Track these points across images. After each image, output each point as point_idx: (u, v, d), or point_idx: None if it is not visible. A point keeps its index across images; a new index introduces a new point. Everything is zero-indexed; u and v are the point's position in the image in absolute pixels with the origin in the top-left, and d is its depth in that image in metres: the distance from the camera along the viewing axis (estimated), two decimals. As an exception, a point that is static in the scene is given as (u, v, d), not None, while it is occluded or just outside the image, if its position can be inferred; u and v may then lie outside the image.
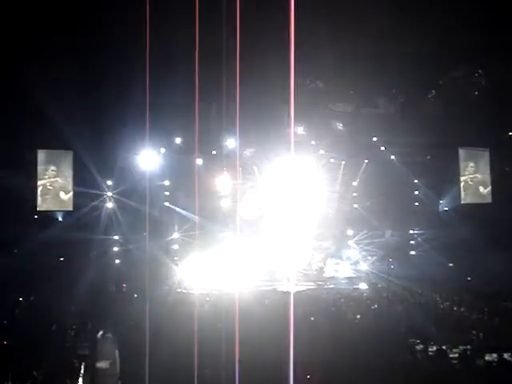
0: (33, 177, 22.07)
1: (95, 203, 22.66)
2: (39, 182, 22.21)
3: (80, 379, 13.10)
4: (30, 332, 15.29)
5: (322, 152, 25.50)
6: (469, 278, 23.00)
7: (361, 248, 25.69)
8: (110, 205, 23.01)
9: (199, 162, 22.06)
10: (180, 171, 23.90)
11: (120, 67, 20.62)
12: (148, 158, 23.79)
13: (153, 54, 20.56)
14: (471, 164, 25.72)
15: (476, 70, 24.77)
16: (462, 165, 25.69)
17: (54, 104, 20.44)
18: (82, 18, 19.96)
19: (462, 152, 25.75)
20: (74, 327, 15.86)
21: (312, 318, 16.68)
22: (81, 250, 21.15)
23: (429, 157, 25.10)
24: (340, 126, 25.72)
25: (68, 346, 14.65)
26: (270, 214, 25.86)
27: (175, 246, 24.07)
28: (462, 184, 25.66)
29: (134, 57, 20.40)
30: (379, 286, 23.03)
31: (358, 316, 17.53)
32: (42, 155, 22.31)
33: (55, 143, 21.87)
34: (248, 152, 24.66)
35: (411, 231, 26.20)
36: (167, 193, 24.34)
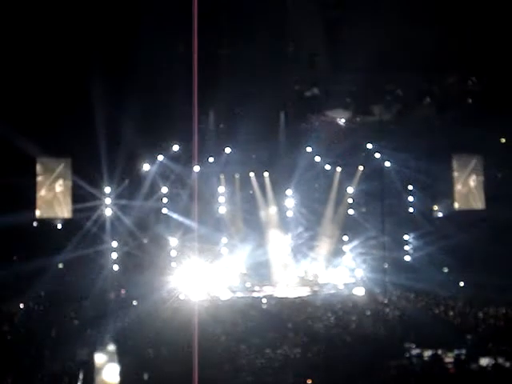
0: (32, 185, 22.15)
1: (94, 211, 22.73)
2: (38, 190, 22.30)
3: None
4: (29, 338, 15.44)
5: (317, 159, 25.64)
6: (462, 284, 23.19)
7: (356, 254, 25.82)
8: (108, 212, 23.10)
9: (196, 169, 22.17)
10: (177, 178, 24.05)
11: (120, 71, 20.80)
12: (146, 166, 23.95)
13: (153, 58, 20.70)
14: (465, 170, 25.91)
15: (470, 78, 25.01)
16: (455, 171, 25.88)
17: (53, 111, 20.63)
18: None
19: (455, 158, 25.95)
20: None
21: (308, 323, 16.85)
22: (80, 256, 21.24)
23: (423, 163, 25.28)
24: (336, 132, 25.91)
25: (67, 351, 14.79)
26: (267, 221, 26.01)
27: (173, 253, 24.18)
28: (455, 190, 25.86)
29: (133, 59, 20.70)
30: (375, 291, 23.18)
31: (354, 320, 17.70)
32: (41, 162, 22.42)
33: (54, 151, 21.98)
34: (246, 159, 24.82)
35: (406, 237, 26.35)
36: (165, 200, 24.44)
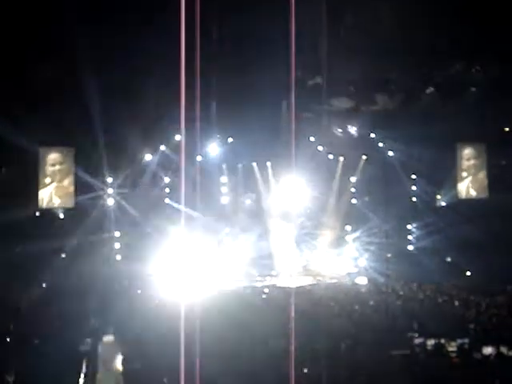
0: (35, 174, 22.17)
1: (97, 201, 22.79)
2: (41, 179, 22.32)
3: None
4: (34, 328, 15.47)
5: (320, 148, 25.62)
6: (468, 273, 23.14)
7: (359, 243, 25.83)
8: (111, 202, 23.14)
9: (199, 159, 22.13)
10: (179, 168, 24.04)
11: (123, 61, 20.74)
12: (150, 155, 23.95)
13: (153, 51, 20.67)
14: (468, 159, 25.88)
15: (474, 66, 24.89)
16: (459, 160, 25.85)
17: (56, 100, 20.60)
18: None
19: (459, 147, 25.91)
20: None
21: (311, 312, 16.84)
22: (82, 246, 21.29)
23: (426, 152, 25.27)
24: (339, 122, 25.86)
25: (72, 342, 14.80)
26: (269, 210, 26.01)
27: (176, 242, 24.19)
28: (459, 179, 25.83)
29: (136, 51, 20.63)
30: (378, 280, 23.20)
31: (357, 309, 17.70)
32: (44, 152, 22.42)
33: (57, 140, 21.98)
34: (249, 149, 24.81)
35: (409, 226, 26.34)
36: (168, 189, 24.47)
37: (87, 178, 22.36)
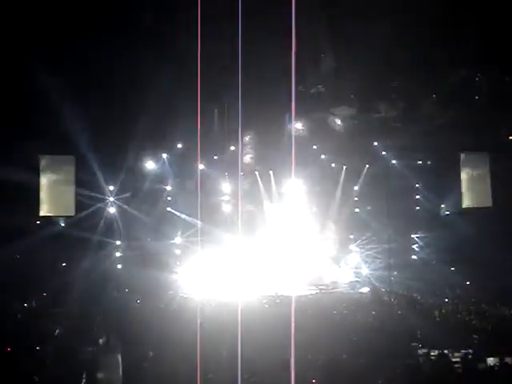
0: (36, 182, 22.14)
1: (97, 208, 22.75)
2: (41, 188, 22.28)
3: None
4: (33, 336, 15.39)
5: (323, 156, 25.58)
6: (469, 282, 23.01)
7: (362, 252, 25.73)
8: (112, 210, 23.11)
9: (201, 166, 22.12)
10: (182, 176, 24.03)
11: (123, 70, 20.76)
12: (150, 163, 23.93)
13: (155, 58, 20.70)
14: (471, 168, 25.75)
15: (476, 75, 24.84)
16: (462, 169, 25.74)
17: (56, 109, 20.59)
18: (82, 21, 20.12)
19: (462, 156, 25.80)
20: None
21: (314, 321, 16.74)
22: (83, 254, 21.22)
23: (429, 161, 25.19)
24: (341, 130, 25.80)
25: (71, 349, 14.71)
26: (272, 219, 25.93)
27: (177, 251, 24.16)
28: (462, 188, 25.71)
29: (135, 60, 20.64)
30: (381, 290, 23.07)
31: (360, 319, 17.60)
32: (44, 161, 22.39)
33: (58, 148, 21.97)
34: (249, 157, 24.77)
35: (413, 235, 26.22)
36: (169, 198, 24.44)
37: (88, 186, 22.33)
